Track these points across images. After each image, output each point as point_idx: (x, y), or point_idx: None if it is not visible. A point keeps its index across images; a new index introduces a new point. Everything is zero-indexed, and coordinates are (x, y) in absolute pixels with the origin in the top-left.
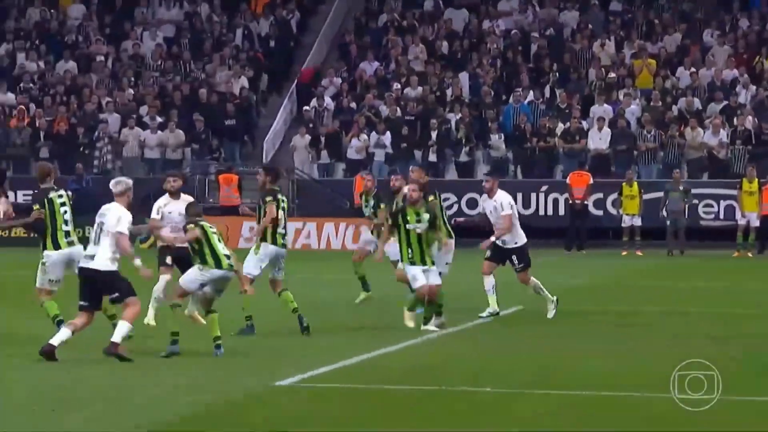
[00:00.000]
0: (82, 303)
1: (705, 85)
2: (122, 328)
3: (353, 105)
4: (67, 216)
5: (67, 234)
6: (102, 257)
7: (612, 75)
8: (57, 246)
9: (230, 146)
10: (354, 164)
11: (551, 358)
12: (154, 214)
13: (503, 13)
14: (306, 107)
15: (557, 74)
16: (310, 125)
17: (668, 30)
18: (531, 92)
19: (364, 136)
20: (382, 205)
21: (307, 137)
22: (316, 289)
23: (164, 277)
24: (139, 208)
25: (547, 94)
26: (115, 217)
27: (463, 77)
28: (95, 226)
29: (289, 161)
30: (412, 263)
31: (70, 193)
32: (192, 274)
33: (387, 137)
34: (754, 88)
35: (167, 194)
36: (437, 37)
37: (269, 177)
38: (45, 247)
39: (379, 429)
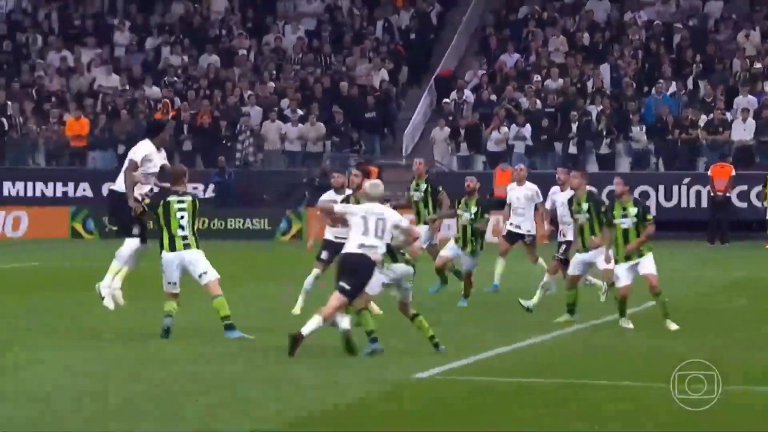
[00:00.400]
0: (343, 285)
1: None
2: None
3: (493, 97)
4: (184, 221)
5: (184, 238)
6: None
7: (757, 65)
8: (172, 248)
9: (370, 139)
10: (494, 156)
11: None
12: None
13: (645, 3)
14: (446, 100)
15: (700, 65)
16: (450, 118)
17: None
18: (673, 83)
19: (504, 129)
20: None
21: (447, 130)
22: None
23: (315, 271)
24: (279, 201)
25: (690, 85)
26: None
27: (604, 69)
28: (372, 220)
29: (429, 153)
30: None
31: (195, 200)
32: (375, 278)
33: (527, 129)
34: None
35: (333, 190)
36: (578, 29)
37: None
38: (161, 248)
39: (518, 422)
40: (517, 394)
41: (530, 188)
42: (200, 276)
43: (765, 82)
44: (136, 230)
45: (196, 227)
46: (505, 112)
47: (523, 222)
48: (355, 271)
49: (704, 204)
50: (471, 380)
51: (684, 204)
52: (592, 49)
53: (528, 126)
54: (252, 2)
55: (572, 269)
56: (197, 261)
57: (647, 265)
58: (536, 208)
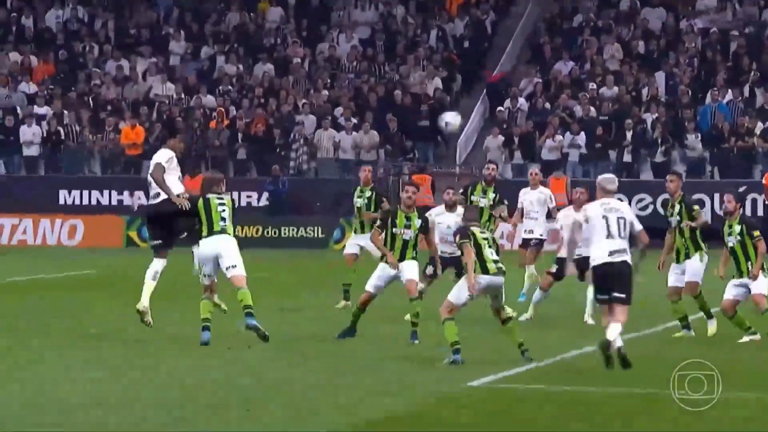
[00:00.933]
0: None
1: None
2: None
3: (547, 105)
4: (225, 214)
5: (223, 226)
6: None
7: None
8: (211, 232)
9: (423, 147)
10: (548, 164)
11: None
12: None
13: (701, 11)
14: (500, 108)
15: (757, 73)
16: (504, 126)
17: None
18: (729, 91)
19: (558, 137)
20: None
21: (500, 138)
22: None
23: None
24: (332, 209)
25: (746, 93)
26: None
27: (660, 77)
28: (616, 219)
29: (483, 161)
30: None
31: (233, 200)
32: (459, 287)
33: (581, 137)
34: None
35: (443, 205)
36: (633, 37)
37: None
38: (199, 242)
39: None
40: (572, 404)
41: (544, 192)
42: (227, 269)
43: None
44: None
45: (236, 226)
46: (559, 120)
47: (536, 226)
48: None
49: (760, 212)
50: (519, 388)
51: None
52: (647, 56)
53: (582, 134)
54: (306, 11)
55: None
56: (230, 251)
57: (759, 285)
58: (549, 214)
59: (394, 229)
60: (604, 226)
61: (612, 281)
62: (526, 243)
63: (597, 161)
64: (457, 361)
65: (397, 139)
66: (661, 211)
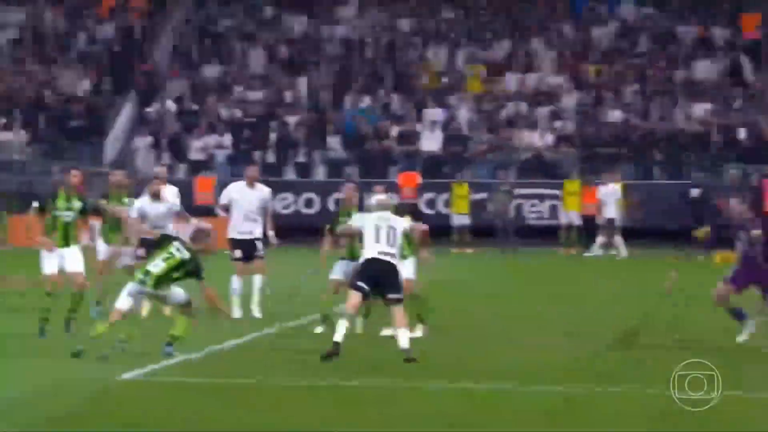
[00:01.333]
0: (360, 285)
1: (532, 89)
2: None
3: (195, 107)
4: None
5: None
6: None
7: (445, 80)
8: None
9: (75, 147)
10: (196, 165)
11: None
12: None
13: (341, 19)
14: (148, 109)
15: (393, 79)
16: (153, 127)
17: (498, 36)
18: (368, 96)
19: (206, 138)
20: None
21: (150, 138)
22: None
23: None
24: None
25: (384, 98)
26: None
27: (302, 81)
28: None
29: (132, 162)
30: None
31: None
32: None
33: (228, 138)
34: (577, 93)
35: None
36: (277, 42)
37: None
38: None
39: (218, 423)
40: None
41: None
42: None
43: (451, 96)
44: None
45: None
46: (207, 122)
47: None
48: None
49: None
50: (169, 381)
51: None
52: (290, 61)
53: (229, 135)
54: None
55: None
56: None
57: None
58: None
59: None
60: (374, 234)
61: (383, 280)
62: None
63: (243, 161)
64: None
65: (48, 139)
66: (303, 208)
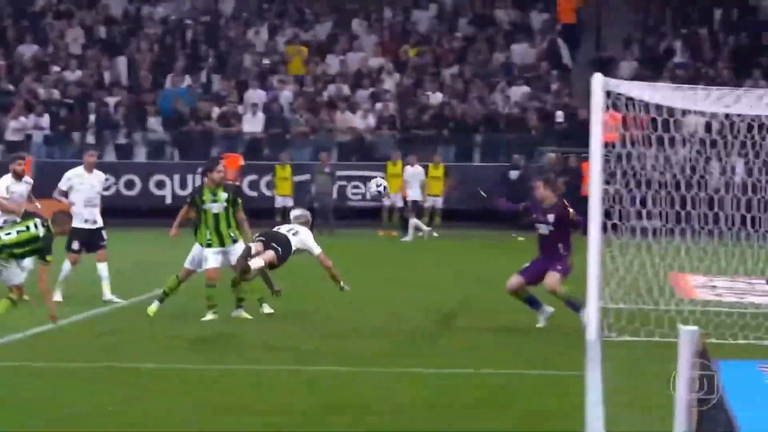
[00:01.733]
0: None
1: (353, 71)
2: None
3: (11, 87)
4: None
5: None
6: None
7: (266, 61)
8: None
9: None
10: (13, 146)
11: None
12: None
13: None
14: None
15: (214, 60)
16: None
17: (319, 18)
18: (188, 77)
19: (22, 118)
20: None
21: None
22: None
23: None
24: None
25: (204, 79)
26: None
27: (121, 61)
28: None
29: None
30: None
31: None
32: None
33: (45, 119)
34: (398, 75)
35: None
36: (95, 22)
37: None
38: None
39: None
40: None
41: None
42: None
43: (274, 78)
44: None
45: None
46: (23, 102)
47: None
48: None
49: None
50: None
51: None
52: (110, 42)
53: (46, 116)
54: None
55: None
56: None
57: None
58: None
59: None
60: None
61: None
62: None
63: (61, 143)
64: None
65: None
66: (123, 190)
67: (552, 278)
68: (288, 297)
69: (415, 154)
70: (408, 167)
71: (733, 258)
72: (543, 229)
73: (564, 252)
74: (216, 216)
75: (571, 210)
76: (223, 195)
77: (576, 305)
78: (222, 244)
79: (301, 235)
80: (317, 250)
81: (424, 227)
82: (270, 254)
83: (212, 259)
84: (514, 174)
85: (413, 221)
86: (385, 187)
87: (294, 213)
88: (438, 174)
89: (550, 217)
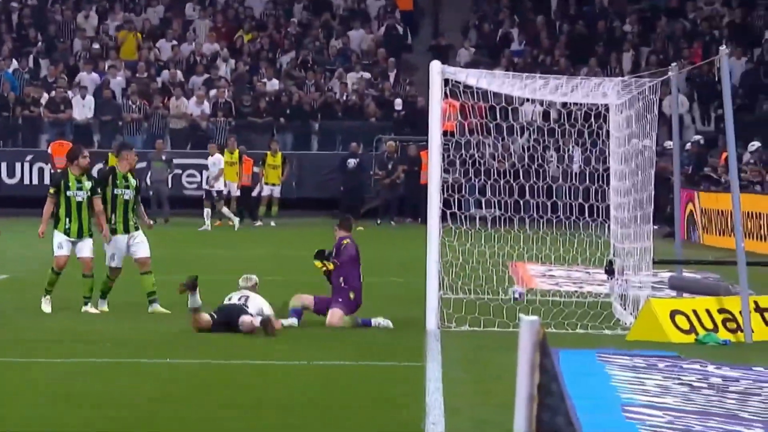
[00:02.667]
0: None
1: (187, 57)
2: None
3: None
4: None
5: None
6: None
7: (96, 46)
8: None
9: None
10: None
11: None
12: None
13: None
14: None
15: (42, 43)
16: None
17: (152, 3)
18: (14, 61)
19: None
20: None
21: None
22: None
23: None
24: None
25: (32, 63)
26: None
27: None
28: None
29: None
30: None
31: None
32: None
33: None
34: (233, 61)
35: None
36: None
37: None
38: None
39: None
40: None
41: None
42: None
43: (105, 62)
44: None
45: None
46: None
47: None
48: None
49: (47, 180)
50: None
51: (27, 181)
52: None
53: None
54: None
55: None
56: None
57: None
58: None
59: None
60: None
61: None
62: None
63: None
64: None
65: None
66: None
67: (333, 316)
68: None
69: (212, 144)
70: (210, 157)
71: (571, 247)
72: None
73: (345, 286)
74: (79, 204)
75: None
76: (88, 183)
77: (366, 321)
78: (80, 235)
79: (255, 301)
80: (269, 312)
81: (233, 217)
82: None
83: (66, 248)
84: (352, 162)
85: (208, 211)
86: (521, 294)
87: (241, 282)
88: (276, 162)
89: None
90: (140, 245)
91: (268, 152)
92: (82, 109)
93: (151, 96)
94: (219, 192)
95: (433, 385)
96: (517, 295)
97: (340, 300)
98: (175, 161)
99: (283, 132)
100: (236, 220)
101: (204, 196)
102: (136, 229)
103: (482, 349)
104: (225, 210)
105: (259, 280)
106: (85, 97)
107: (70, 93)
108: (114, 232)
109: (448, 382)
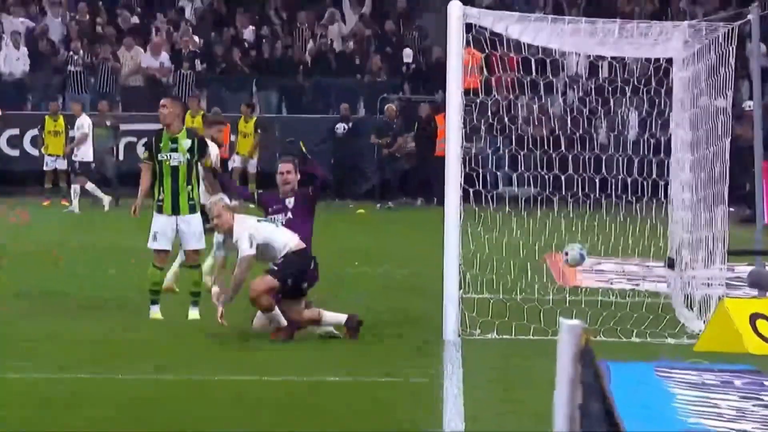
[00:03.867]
0: None
1: None
2: None
3: None
4: None
5: None
6: None
7: None
8: None
9: None
10: None
11: None
12: None
13: None
14: None
15: None
16: None
17: None
18: None
19: None
20: None
21: None
22: None
23: None
24: None
25: None
26: None
27: None
28: None
29: None
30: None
31: None
32: None
33: None
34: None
35: None
36: None
37: None
38: None
39: None
40: None
41: None
42: None
43: (38, 2)
44: None
45: None
46: None
47: None
48: None
49: None
50: None
51: None
52: None
53: None
54: None
55: None
56: None
57: None
58: None
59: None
60: None
61: None
62: None
63: None
64: None
65: None
66: None
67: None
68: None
69: (75, 102)
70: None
71: (624, 235)
72: (281, 220)
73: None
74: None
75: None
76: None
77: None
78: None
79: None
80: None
81: (103, 196)
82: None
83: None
84: (341, 128)
85: (76, 187)
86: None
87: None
88: (248, 129)
89: (289, 202)
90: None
91: (241, 117)
92: (13, 61)
93: (97, 43)
94: (85, 163)
95: (451, 407)
96: (578, 256)
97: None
98: (127, 128)
99: (266, 90)
100: (106, 199)
101: (69, 169)
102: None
103: (513, 362)
104: (90, 186)
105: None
106: (19, 47)
107: None
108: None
109: (471, 403)
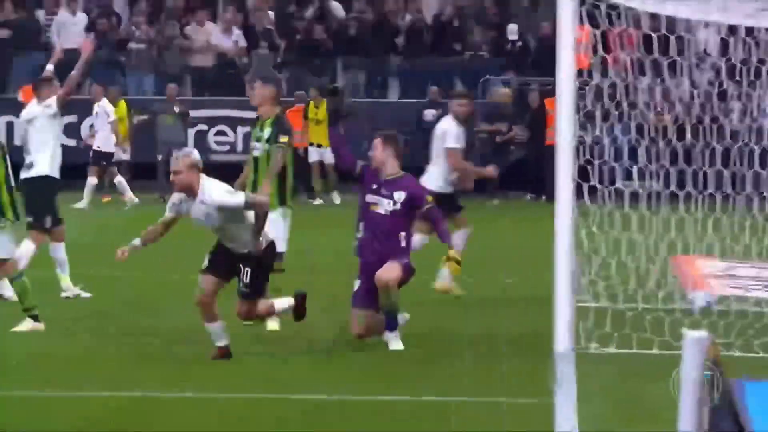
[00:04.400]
0: None
1: None
2: None
3: None
4: None
5: None
6: None
7: None
8: None
9: None
10: None
11: None
12: None
13: None
14: None
15: None
16: None
17: None
18: None
19: None
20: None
21: None
22: None
23: None
24: None
25: None
26: None
27: None
28: None
29: None
30: None
31: None
32: None
33: None
34: None
35: None
36: None
37: None
38: None
39: None
40: None
41: None
42: None
43: None
44: None
45: None
46: None
47: None
48: None
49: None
50: None
51: None
52: None
53: None
54: None
55: None
56: None
57: None
58: None
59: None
60: None
61: None
62: None
63: None
64: None
65: None
66: None
67: (391, 271)
68: None
69: (104, 86)
70: (96, 105)
71: (763, 236)
72: (381, 208)
73: (405, 245)
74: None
75: (428, 195)
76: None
77: (392, 323)
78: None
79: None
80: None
81: (128, 191)
82: None
83: None
84: (429, 115)
85: (92, 180)
86: (710, 302)
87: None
88: (320, 116)
89: (399, 195)
90: None
91: (311, 102)
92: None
93: (161, 18)
94: (108, 154)
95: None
96: (703, 303)
97: (405, 260)
98: (197, 114)
99: (352, 69)
100: (131, 196)
101: (91, 161)
102: None
103: (633, 380)
104: (119, 180)
105: None
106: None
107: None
108: None
109: (586, 426)
